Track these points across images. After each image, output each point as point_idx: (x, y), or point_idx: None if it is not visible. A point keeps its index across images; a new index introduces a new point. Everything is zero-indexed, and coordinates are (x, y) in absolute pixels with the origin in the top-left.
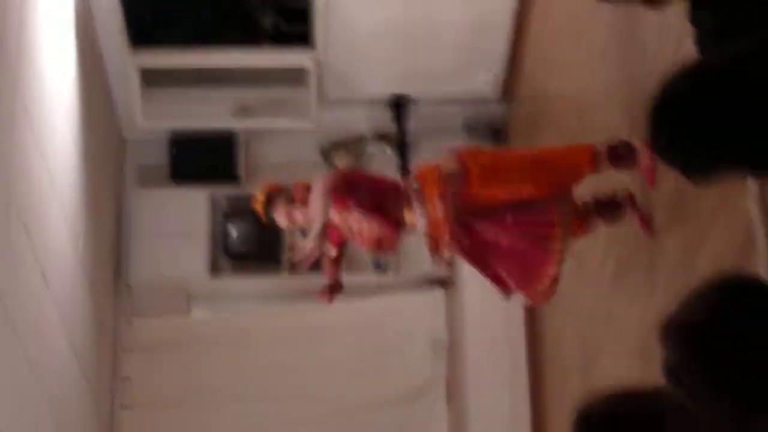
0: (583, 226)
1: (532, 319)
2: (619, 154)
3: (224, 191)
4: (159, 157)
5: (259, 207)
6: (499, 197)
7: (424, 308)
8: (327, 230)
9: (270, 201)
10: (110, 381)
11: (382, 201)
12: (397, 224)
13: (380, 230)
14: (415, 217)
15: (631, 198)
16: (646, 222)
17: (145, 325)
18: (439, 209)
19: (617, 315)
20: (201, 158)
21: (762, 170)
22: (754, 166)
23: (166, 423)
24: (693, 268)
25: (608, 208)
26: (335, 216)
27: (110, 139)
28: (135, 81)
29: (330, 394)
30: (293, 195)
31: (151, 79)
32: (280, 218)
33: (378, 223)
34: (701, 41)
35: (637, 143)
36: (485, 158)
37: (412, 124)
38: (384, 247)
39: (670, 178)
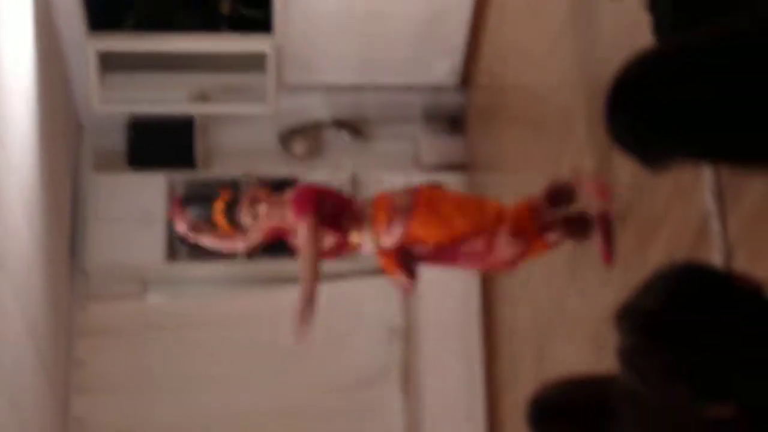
0: (543, 239)
1: (487, 305)
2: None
3: (182, 176)
4: (116, 142)
5: (219, 214)
6: (436, 238)
7: (380, 295)
8: (273, 230)
9: (231, 205)
10: (65, 365)
11: (339, 218)
12: (345, 242)
13: (330, 244)
14: (363, 239)
15: (603, 218)
16: (609, 250)
17: (100, 309)
18: (385, 239)
19: (571, 302)
20: (159, 143)
21: (717, 158)
22: (710, 153)
23: (120, 407)
24: (646, 256)
25: (576, 224)
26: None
27: (67, 123)
28: (93, 65)
29: (285, 379)
30: (257, 195)
31: (109, 63)
32: (246, 218)
33: (332, 237)
34: (659, 29)
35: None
36: (437, 195)
37: (371, 111)
38: (325, 257)
39: (625, 166)
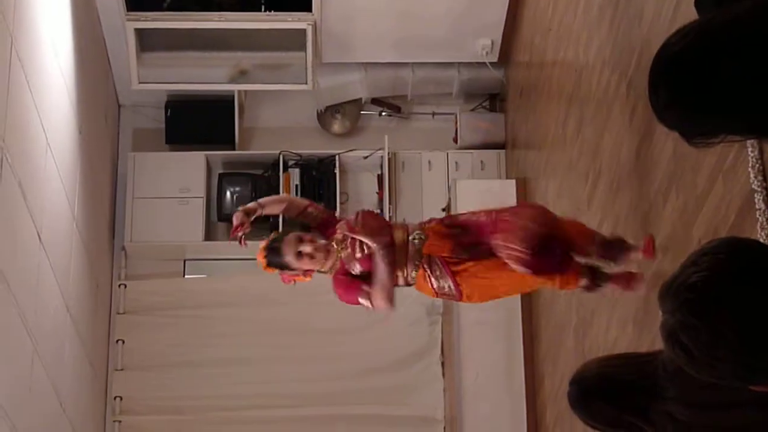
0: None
1: None
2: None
3: (220, 154)
4: (155, 121)
5: (263, 262)
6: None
7: None
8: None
9: (272, 251)
10: (105, 343)
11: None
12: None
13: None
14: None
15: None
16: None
17: (140, 288)
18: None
19: None
20: (197, 122)
21: (762, 134)
22: (755, 129)
23: (160, 385)
24: (690, 234)
25: (609, 248)
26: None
27: (107, 103)
28: (131, 44)
29: (323, 359)
30: (300, 238)
31: (148, 43)
32: (291, 259)
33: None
34: (701, 3)
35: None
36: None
37: (409, 89)
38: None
39: (669, 142)
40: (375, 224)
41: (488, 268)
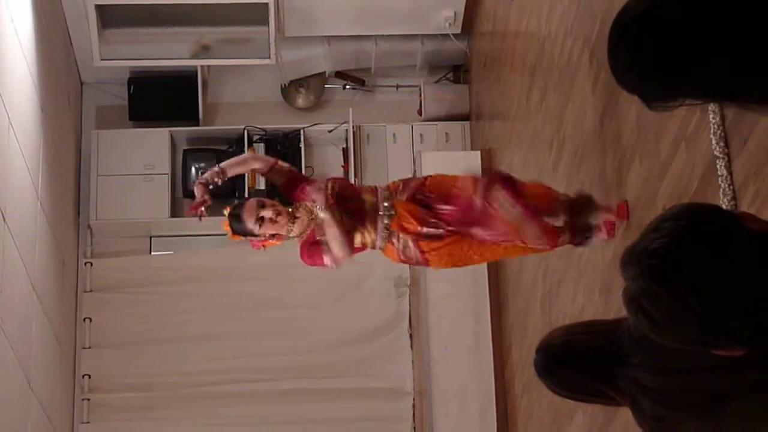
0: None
1: None
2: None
3: (184, 130)
4: (118, 98)
5: (228, 230)
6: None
7: None
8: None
9: (233, 217)
10: (73, 321)
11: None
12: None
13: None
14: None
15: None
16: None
17: (106, 265)
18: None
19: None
20: (160, 98)
21: (723, 97)
22: (714, 92)
23: (128, 362)
24: (653, 201)
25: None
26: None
27: (69, 80)
28: (93, 20)
29: (294, 331)
30: (262, 203)
31: (109, 18)
32: (252, 225)
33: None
34: None
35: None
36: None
37: (373, 62)
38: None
39: (632, 110)
40: (347, 193)
41: (460, 243)
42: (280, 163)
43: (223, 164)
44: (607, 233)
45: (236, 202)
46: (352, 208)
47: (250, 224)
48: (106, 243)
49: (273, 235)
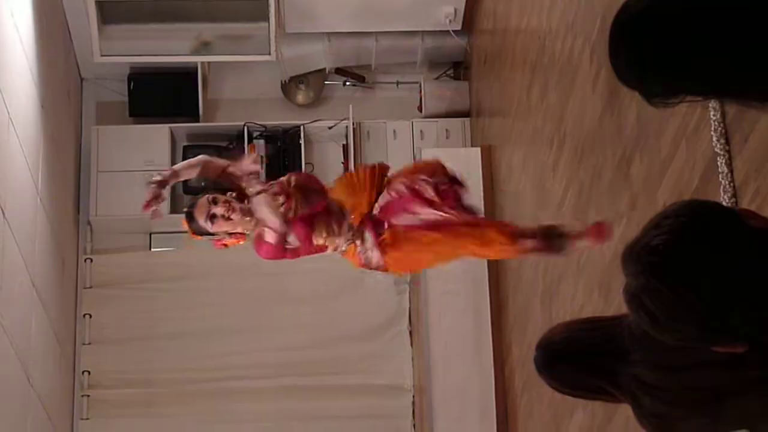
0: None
1: None
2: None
3: (184, 126)
4: (118, 94)
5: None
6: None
7: None
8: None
9: (187, 216)
10: (72, 318)
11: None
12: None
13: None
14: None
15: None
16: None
17: (106, 261)
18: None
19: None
20: (160, 94)
21: (724, 94)
22: (714, 88)
23: (128, 358)
24: (653, 198)
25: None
26: None
27: (69, 76)
28: (93, 16)
29: (294, 328)
30: (215, 198)
31: (109, 14)
32: (204, 223)
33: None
34: None
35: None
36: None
37: (373, 58)
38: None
39: (633, 107)
40: (311, 186)
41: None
42: (235, 165)
43: (176, 167)
44: (595, 239)
45: (191, 199)
46: (315, 200)
47: (202, 222)
48: (106, 239)
49: (233, 234)
